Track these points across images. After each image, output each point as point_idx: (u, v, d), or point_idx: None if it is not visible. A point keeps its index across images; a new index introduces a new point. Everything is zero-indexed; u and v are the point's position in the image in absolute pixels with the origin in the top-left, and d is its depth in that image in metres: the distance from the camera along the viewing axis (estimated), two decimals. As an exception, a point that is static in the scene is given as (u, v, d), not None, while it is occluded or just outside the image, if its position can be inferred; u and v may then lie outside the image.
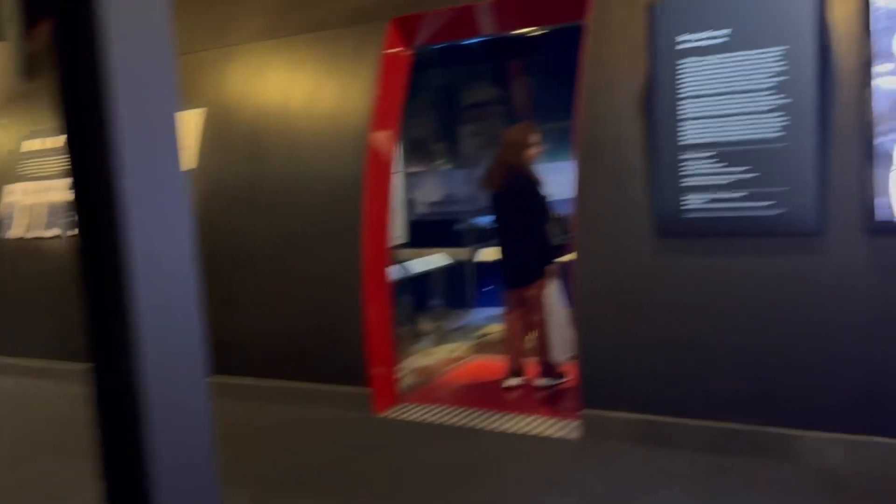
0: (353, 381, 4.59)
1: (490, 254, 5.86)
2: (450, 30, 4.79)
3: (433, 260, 5.87)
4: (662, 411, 3.70)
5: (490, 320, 6.30)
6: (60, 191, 5.95)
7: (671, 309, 3.66)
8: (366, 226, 4.55)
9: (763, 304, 3.45)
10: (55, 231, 5.98)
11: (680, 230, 3.60)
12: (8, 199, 6.33)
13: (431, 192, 6.52)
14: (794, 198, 3.33)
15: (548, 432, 4.05)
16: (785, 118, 3.32)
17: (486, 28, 4.76)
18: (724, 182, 3.47)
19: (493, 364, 5.38)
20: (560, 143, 5.85)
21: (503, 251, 4.96)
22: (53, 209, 6.02)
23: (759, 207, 3.40)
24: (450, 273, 6.10)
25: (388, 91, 4.69)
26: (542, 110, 6.30)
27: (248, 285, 5.00)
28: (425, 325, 5.90)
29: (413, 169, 6.38)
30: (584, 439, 3.89)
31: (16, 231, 6.23)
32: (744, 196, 3.43)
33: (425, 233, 6.29)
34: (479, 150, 6.58)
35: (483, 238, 6.20)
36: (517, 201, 4.74)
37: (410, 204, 6.26)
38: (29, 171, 6.22)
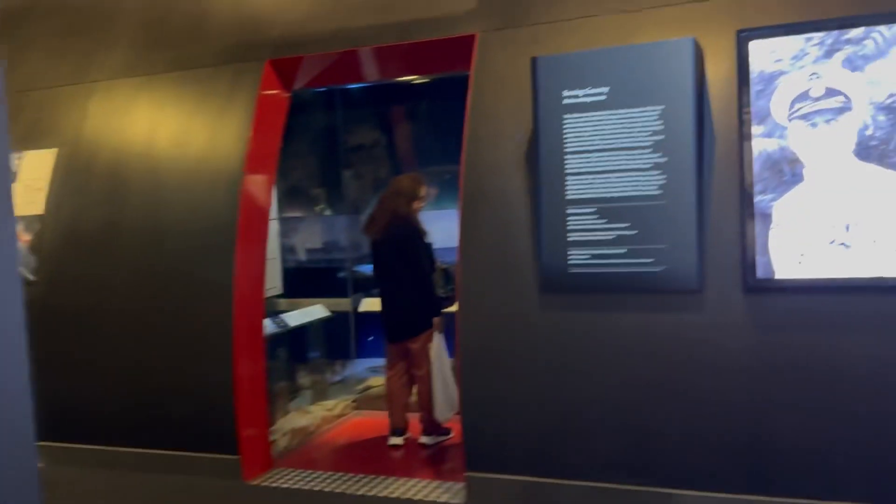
0: (222, 447, 4.24)
1: (373, 304, 5.67)
2: (330, 74, 4.63)
3: (312, 311, 5.59)
4: (547, 473, 3.60)
5: (372, 373, 6.07)
6: None
7: (556, 367, 3.59)
8: (237, 276, 4.25)
9: (644, 362, 3.45)
10: None
11: (565, 286, 3.56)
12: None
13: (311, 238, 6.26)
14: (674, 255, 3.36)
15: (432, 496, 3.86)
16: (663, 176, 3.37)
17: (368, 74, 4.65)
18: (607, 238, 3.47)
19: (375, 421, 5.15)
20: (444, 189, 5.78)
21: (385, 302, 4.79)
22: None
23: (641, 264, 3.41)
24: (330, 324, 5.84)
25: (263, 133, 4.46)
26: (427, 155, 6.23)
27: (105, 342, 4.56)
28: (303, 379, 5.60)
29: (291, 214, 6.11)
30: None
31: None
32: (626, 252, 3.44)
33: (304, 282, 6.02)
34: (361, 195, 6.42)
35: (365, 287, 6.01)
36: (401, 251, 4.61)
37: (289, 251, 5.97)
38: None
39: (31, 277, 4.79)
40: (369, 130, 6.41)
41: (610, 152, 3.45)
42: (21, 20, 5.71)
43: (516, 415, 3.66)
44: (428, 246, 4.66)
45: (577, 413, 3.55)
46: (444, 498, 3.82)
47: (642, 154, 3.40)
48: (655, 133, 3.38)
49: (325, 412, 5.24)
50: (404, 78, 5.54)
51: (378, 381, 5.81)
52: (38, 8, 5.79)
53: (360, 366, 6.27)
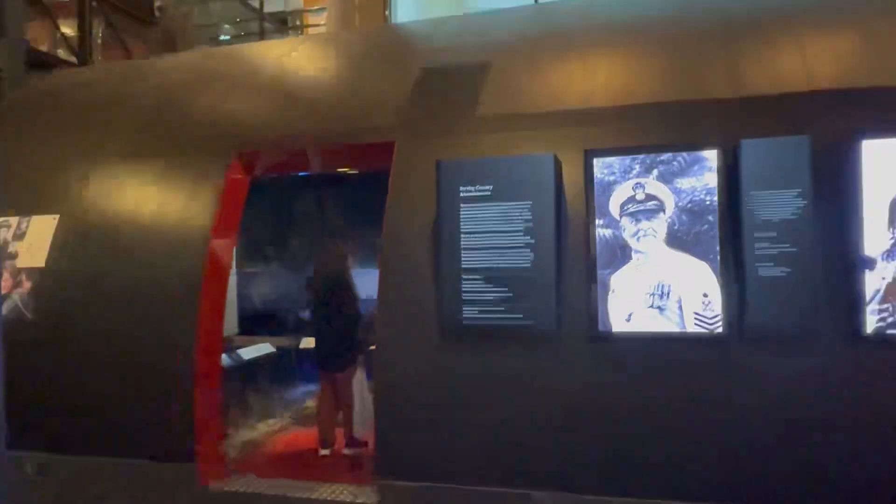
0: (182, 457, 4.40)
1: (310, 342, 5.95)
2: (282, 164, 4.98)
3: (261, 347, 5.84)
4: (440, 479, 3.89)
5: (308, 395, 6.30)
6: None
7: (451, 395, 3.93)
8: (200, 318, 4.48)
9: (517, 390, 3.82)
10: None
11: (459, 333, 3.93)
12: None
13: (263, 288, 6.52)
14: (539, 312, 3.79)
15: (349, 499, 4.11)
16: (532, 254, 3.82)
17: (312, 166, 5.00)
18: (491, 298, 3.88)
19: (308, 434, 5.36)
20: (368, 253, 6.13)
21: (320, 341, 5.02)
22: None
23: (515, 318, 3.83)
24: (276, 356, 6.08)
25: (228, 208, 4.76)
26: (355, 226, 6.58)
27: (89, 369, 4.68)
28: (252, 401, 5.79)
29: (250, 269, 6.37)
30: (380, 505, 4.00)
31: None
32: (504, 310, 3.85)
33: (257, 322, 6.26)
34: (303, 255, 6.73)
35: (304, 328, 6.27)
36: (335, 302, 4.90)
37: (245, 298, 6.22)
38: None
39: (29, 316, 4.90)
40: (312, 208, 6.76)
41: (493, 234, 3.89)
42: (38, 110, 5.89)
43: (419, 433, 3.96)
44: (355, 298, 4.97)
45: (465, 430, 3.88)
46: (360, 499, 4.08)
47: (517, 236, 3.85)
48: (526, 221, 3.83)
49: (268, 428, 5.44)
50: (341, 170, 5.96)
51: (312, 403, 6.06)
52: (52, 101, 6.01)
53: (298, 390, 6.48)
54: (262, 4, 10.65)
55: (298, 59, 5.47)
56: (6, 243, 5.18)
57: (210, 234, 4.60)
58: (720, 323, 3.55)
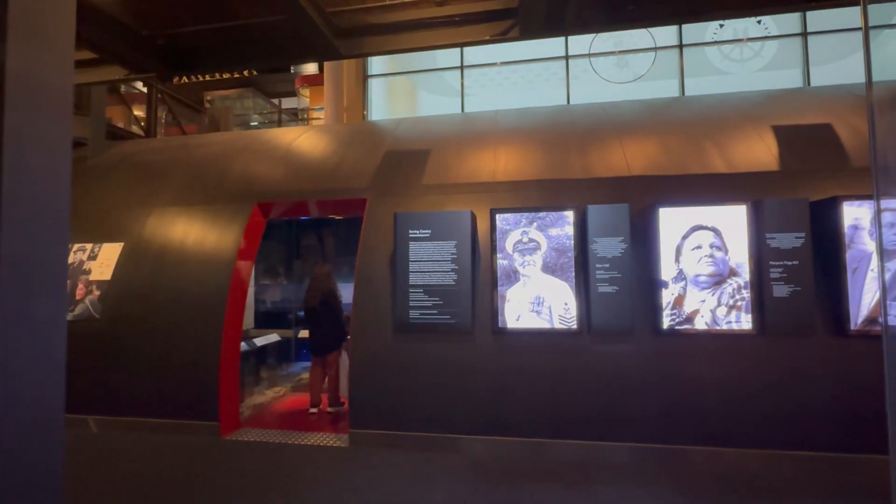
0: (207, 415, 3.90)
1: (305, 333, 5.50)
2: (290, 211, 4.63)
3: (270, 336, 5.34)
4: (397, 427, 3.62)
5: (302, 370, 5.82)
6: None
7: (401, 369, 3.67)
8: (226, 316, 4.03)
9: (446, 368, 3.61)
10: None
11: (407, 328, 3.68)
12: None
13: (273, 295, 6.02)
14: (460, 314, 3.60)
15: (330, 443, 3.74)
16: (456, 275, 3.64)
17: (312, 212, 4.67)
18: (429, 304, 3.66)
19: (302, 398, 4.92)
20: (347, 272, 5.81)
21: (314, 333, 4.58)
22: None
23: (445, 318, 3.62)
24: (281, 343, 5.59)
25: (249, 240, 4.35)
26: (339, 254, 6.24)
27: (143, 356, 4.11)
28: (263, 374, 5.28)
29: (264, 282, 5.88)
30: (350, 447, 3.64)
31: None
32: (437, 313, 3.64)
33: (268, 319, 5.76)
34: (303, 273, 6.29)
35: (301, 323, 5.82)
36: (326, 305, 4.52)
37: (261, 302, 5.71)
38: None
39: (97, 316, 4.27)
40: (311, 240, 6.36)
41: (431, 261, 3.69)
42: (112, 168, 5.28)
43: (380, 394, 3.67)
44: (339, 302, 4.63)
45: (411, 394, 3.63)
46: (337, 443, 3.71)
47: (446, 264, 3.66)
48: (453, 254, 3.66)
49: (274, 394, 4.94)
50: (330, 216, 5.62)
51: (305, 376, 5.59)
52: (123, 162, 5.39)
53: (295, 367, 5.99)
54: (280, 103, 10.25)
55: (304, 141, 5.13)
56: (82, 262, 4.54)
57: (235, 258, 4.17)
58: (575, 322, 3.46)
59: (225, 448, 3.67)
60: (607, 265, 3.43)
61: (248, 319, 5.00)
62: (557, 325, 3.47)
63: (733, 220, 3.34)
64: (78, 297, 4.40)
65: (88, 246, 4.60)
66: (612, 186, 3.82)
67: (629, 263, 3.41)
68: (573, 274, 3.49)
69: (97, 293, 4.37)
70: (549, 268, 3.53)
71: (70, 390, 4.39)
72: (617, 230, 3.45)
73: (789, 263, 3.23)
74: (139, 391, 4.05)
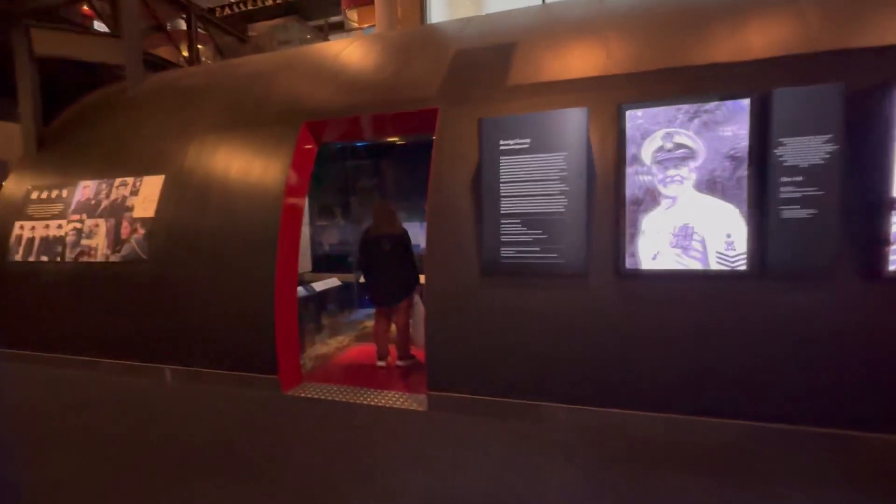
0: (267, 369, 3.24)
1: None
2: (344, 133, 3.64)
3: (330, 282, 4.59)
4: (485, 392, 2.77)
5: (366, 318, 5.08)
6: (53, 228, 4.05)
7: (489, 324, 2.75)
8: (279, 257, 3.24)
9: (548, 319, 2.65)
10: (45, 257, 4.03)
11: (498, 270, 2.71)
12: (18, 232, 4.24)
13: (331, 237, 5.22)
14: (570, 251, 2.56)
15: (405, 405, 2.96)
16: (565, 199, 2.56)
17: (368, 134, 3.67)
18: (527, 239, 2.64)
19: (367, 349, 4.21)
20: (412, 209, 4.87)
21: (377, 281, 3.64)
22: (46, 241, 4.07)
23: (549, 257, 2.60)
24: (341, 288, 4.84)
25: (299, 169, 3.45)
26: (404, 188, 5.27)
27: (193, 300, 3.47)
28: (324, 322, 4.60)
29: (320, 223, 5.06)
30: (428, 412, 2.85)
31: (20, 256, 4.18)
32: (539, 250, 2.62)
33: (326, 262, 5.00)
34: (361, 213, 5.40)
35: (363, 267, 5.05)
36: (392, 247, 3.60)
37: (318, 245, 4.93)
38: (33, 213, 4.21)
39: (144, 257, 3.65)
40: (367, 173, 5.38)
41: (530, 182, 2.62)
42: (150, 97, 4.51)
43: (464, 352, 2.80)
44: (410, 241, 3.69)
45: (504, 351, 2.73)
46: (413, 406, 2.93)
47: (552, 184, 2.58)
48: (561, 170, 2.56)
49: (337, 344, 4.25)
50: (390, 139, 4.60)
51: (370, 324, 4.85)
52: (162, 90, 4.59)
53: (358, 314, 5.26)
54: (327, 27, 9.07)
55: (353, 51, 4.04)
56: (124, 198, 3.87)
57: (284, 190, 3.31)
58: (744, 260, 2.31)
59: (286, 405, 3.01)
60: (800, 178, 2.20)
61: (305, 262, 4.25)
62: (714, 266, 2.34)
63: None
64: (123, 237, 3.78)
65: (130, 180, 3.91)
66: (799, 67, 2.46)
67: (836, 176, 2.16)
68: (743, 192, 2.29)
69: (141, 231, 3.71)
70: (706, 184, 2.35)
71: (127, 336, 3.80)
72: (820, 125, 2.17)
73: None
74: (195, 339, 3.44)
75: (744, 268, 2.30)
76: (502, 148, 2.65)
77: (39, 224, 4.16)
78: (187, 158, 3.79)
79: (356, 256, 3.76)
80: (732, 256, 2.31)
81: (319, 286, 4.33)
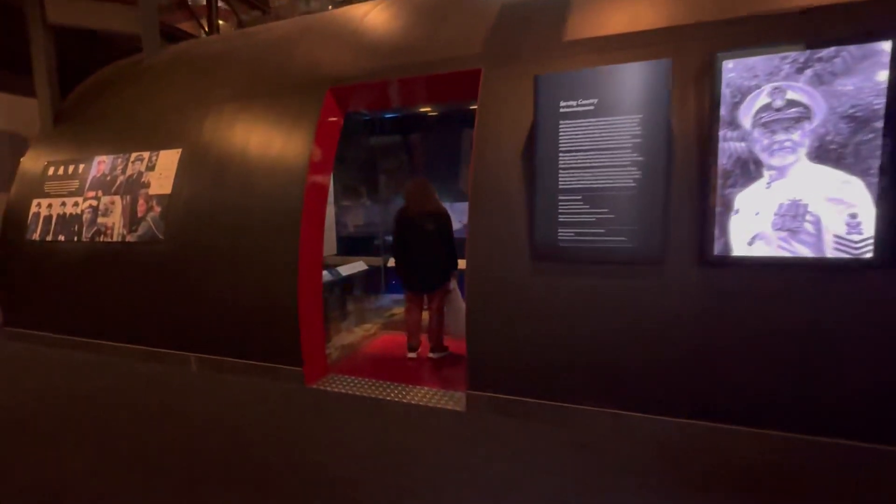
0: (291, 361, 2.96)
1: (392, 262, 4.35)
2: (371, 100, 3.25)
3: (356, 265, 4.26)
4: (533, 394, 2.40)
5: (394, 303, 4.75)
6: (70, 206, 3.83)
7: (540, 317, 2.37)
8: (302, 239, 2.92)
9: (613, 316, 2.24)
10: (62, 237, 3.83)
11: (553, 255, 2.31)
12: (35, 209, 4.06)
13: (356, 218, 4.89)
14: (643, 234, 2.14)
15: (440, 404, 2.63)
16: (638, 172, 2.12)
17: (400, 101, 3.26)
18: (590, 219, 2.22)
19: (396, 338, 3.89)
20: (443, 190, 4.46)
21: (412, 265, 3.25)
22: (63, 219, 3.87)
23: (617, 240, 2.18)
24: (367, 273, 4.52)
25: (323, 142, 3.09)
26: (433, 165, 4.84)
27: (210, 283, 3.20)
28: (350, 307, 4.29)
29: (345, 202, 4.72)
30: (467, 413, 2.51)
31: (37, 234, 4.00)
32: (604, 232, 2.20)
33: (352, 245, 4.68)
34: (388, 192, 5.03)
35: (391, 250, 4.70)
36: (439, 227, 3.20)
37: (342, 226, 4.60)
38: (49, 190, 4.01)
39: (160, 237, 3.39)
40: (395, 150, 4.96)
41: (596, 152, 2.19)
42: (167, 68, 4.21)
43: (509, 349, 2.44)
44: (450, 221, 3.28)
45: (558, 349, 2.35)
46: (450, 405, 2.60)
47: (623, 154, 2.14)
48: (634, 136, 2.12)
49: (364, 332, 3.95)
50: (421, 110, 4.17)
51: (398, 310, 4.53)
52: (178, 60, 4.28)
53: (385, 299, 4.93)
54: None
55: (383, 12, 3.62)
56: (140, 174, 3.61)
57: (308, 165, 2.96)
58: (870, 246, 1.84)
59: (311, 399, 2.72)
60: (957, 143, 1.70)
61: (330, 245, 3.93)
62: (832, 253, 1.88)
63: None
64: (139, 215, 3.52)
65: (146, 155, 3.64)
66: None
67: None
68: (875, 161, 1.81)
69: (158, 209, 3.45)
70: (824, 152, 1.88)
71: (143, 321, 3.54)
72: None
73: None
74: (214, 326, 3.19)
75: (870, 255, 1.84)
76: (563, 110, 2.22)
77: (56, 202, 3.95)
78: (204, 131, 3.48)
79: (392, 235, 3.33)
80: (857, 242, 1.85)
81: (345, 270, 4.00)
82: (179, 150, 3.52)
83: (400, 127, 4.85)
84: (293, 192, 2.98)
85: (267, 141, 3.20)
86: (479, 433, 2.27)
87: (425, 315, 3.42)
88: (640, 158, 2.10)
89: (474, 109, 2.90)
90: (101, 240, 3.65)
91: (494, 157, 2.52)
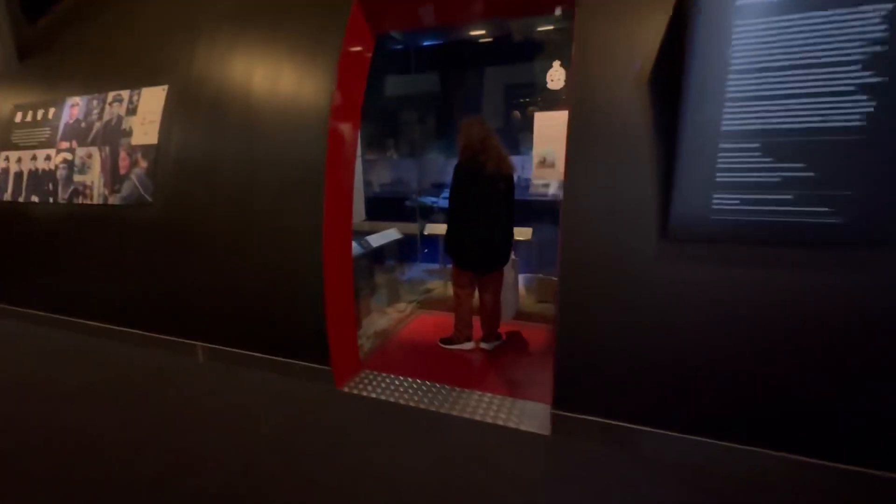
0: (316, 356, 2.32)
1: (435, 228, 3.57)
2: (410, 17, 2.36)
3: (388, 234, 3.53)
4: (651, 421, 1.74)
5: (430, 276, 4.04)
6: (42, 160, 3.11)
7: (667, 324, 1.65)
8: (326, 205, 2.18)
9: (792, 325, 1.51)
10: (36, 198, 3.14)
11: (701, 233, 1.55)
12: (3, 164, 3.35)
13: (383, 175, 4.09)
14: (863, 205, 1.35)
15: (513, 424, 1.98)
16: (871, 103, 1.30)
17: (449, 16, 2.36)
18: (770, 180, 1.43)
19: (436, 319, 3.24)
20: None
21: (471, 237, 2.45)
22: (35, 176, 3.15)
23: (812, 213, 1.40)
24: (400, 241, 3.79)
25: (348, 74, 2.26)
26: (476, 105, 3.95)
27: (208, 257, 2.52)
28: (380, 280, 3.62)
29: (369, 157, 3.91)
30: (553, 438, 1.87)
31: (9, 195, 3.31)
32: (792, 199, 1.42)
33: (379, 209, 3.92)
34: (422, 144, 4.17)
35: (427, 215, 3.89)
36: (505, 189, 2.41)
37: (367, 185, 3.82)
38: (18, 141, 3.27)
39: (148, 199, 2.68)
40: (431, 91, 3.99)
41: (796, 70, 1.36)
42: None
43: (618, 360, 1.74)
44: (512, 187, 2.45)
45: (692, 364, 1.64)
46: (530, 428, 1.95)
47: (845, 72, 1.31)
48: (872, 43, 1.28)
49: (398, 314, 3.28)
50: (471, 33, 3.23)
51: (432, 285, 3.84)
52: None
53: (415, 270, 4.16)
54: None
55: None
56: (119, 119, 2.84)
57: (330, 105, 2.16)
58: None
59: (342, 407, 2.12)
60: None
61: (358, 210, 3.19)
62: None
63: None
64: (122, 172, 2.80)
65: (125, 94, 2.85)
66: None
67: None
68: None
69: (143, 164, 2.71)
70: None
71: (131, 298, 2.84)
72: None
73: None
74: (218, 309, 2.55)
75: None
76: (740, 2, 1.37)
77: (26, 154, 3.23)
78: (195, 61, 2.66)
79: (451, 196, 2.47)
80: None
81: (375, 240, 3.28)
82: (165, 88, 2.72)
83: (442, 56, 3.88)
84: (313, 139, 2.21)
85: (275, 74, 2.38)
86: (563, 462, 1.63)
87: (478, 297, 2.72)
88: (877, 80, 1.28)
89: (545, 32, 2.03)
90: (80, 202, 2.96)
91: (604, 80, 1.70)
